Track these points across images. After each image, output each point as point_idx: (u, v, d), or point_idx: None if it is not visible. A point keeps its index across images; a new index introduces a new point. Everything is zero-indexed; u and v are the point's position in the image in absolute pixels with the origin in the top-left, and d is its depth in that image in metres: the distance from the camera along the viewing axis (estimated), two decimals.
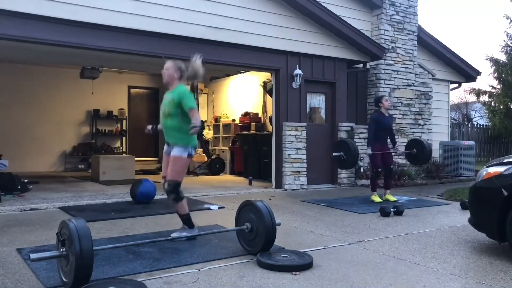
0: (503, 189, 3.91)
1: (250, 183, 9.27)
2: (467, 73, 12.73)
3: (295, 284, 3.26)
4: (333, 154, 7.39)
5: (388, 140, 7.28)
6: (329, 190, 8.75)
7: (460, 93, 30.66)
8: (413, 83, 11.06)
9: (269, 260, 3.67)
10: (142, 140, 13.51)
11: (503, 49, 18.34)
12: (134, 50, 7.15)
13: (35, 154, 11.68)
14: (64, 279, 3.13)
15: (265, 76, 10.29)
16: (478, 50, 49.80)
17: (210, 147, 12.23)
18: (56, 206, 6.39)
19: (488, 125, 18.82)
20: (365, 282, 3.34)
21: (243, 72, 11.43)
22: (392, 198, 7.23)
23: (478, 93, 19.28)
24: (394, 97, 10.69)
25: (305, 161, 8.77)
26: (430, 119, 11.37)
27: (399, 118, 10.73)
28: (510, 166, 4.02)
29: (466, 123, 22.28)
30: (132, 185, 6.94)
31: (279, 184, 8.67)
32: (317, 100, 9.42)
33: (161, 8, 7.16)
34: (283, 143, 8.62)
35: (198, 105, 4.45)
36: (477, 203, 4.30)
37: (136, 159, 10.84)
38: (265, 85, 10.61)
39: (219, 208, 6.43)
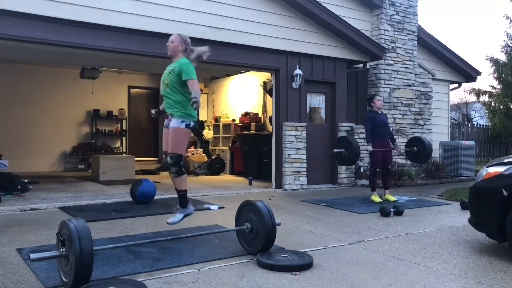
0: (503, 189, 3.91)
1: (250, 183, 9.27)
2: (467, 73, 12.73)
3: (295, 284, 3.27)
4: (335, 150, 7.46)
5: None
6: (329, 190, 8.75)
7: (460, 93, 30.79)
8: (413, 83, 11.05)
9: (269, 260, 3.67)
10: (142, 140, 13.55)
11: (503, 49, 18.32)
12: (134, 50, 7.15)
13: (35, 154, 11.68)
14: (64, 279, 3.13)
15: (265, 76, 10.29)
16: (478, 50, 49.91)
17: (210, 147, 12.23)
18: (56, 206, 6.39)
19: (488, 125, 18.81)
20: (365, 282, 3.34)
21: (243, 72, 11.43)
22: (392, 198, 7.23)
23: (478, 93, 19.26)
24: (394, 97, 10.69)
25: (305, 161, 8.77)
26: (430, 119, 11.37)
27: (399, 118, 10.73)
28: (510, 166, 4.02)
29: (466, 123, 22.27)
30: (132, 185, 6.95)
31: (279, 184, 8.67)
32: (317, 100, 9.42)
33: (161, 8, 7.16)
34: (283, 143, 8.62)
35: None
36: (477, 203, 4.30)
37: (136, 159, 10.84)
38: (265, 85, 10.61)
39: (219, 208, 6.43)
